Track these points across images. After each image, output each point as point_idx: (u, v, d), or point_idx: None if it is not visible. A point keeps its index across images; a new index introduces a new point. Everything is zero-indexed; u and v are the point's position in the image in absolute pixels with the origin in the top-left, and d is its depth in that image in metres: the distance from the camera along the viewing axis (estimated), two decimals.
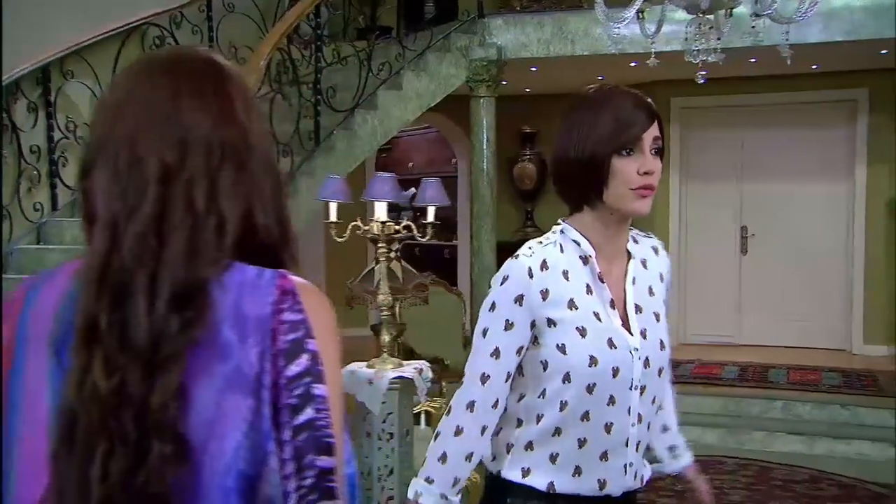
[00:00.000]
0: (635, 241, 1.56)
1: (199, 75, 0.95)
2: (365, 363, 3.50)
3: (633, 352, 1.46)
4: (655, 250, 1.60)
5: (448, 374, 4.97)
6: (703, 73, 4.25)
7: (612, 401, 1.46)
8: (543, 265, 1.47)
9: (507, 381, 1.49)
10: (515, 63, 6.18)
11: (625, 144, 1.44)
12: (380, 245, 3.53)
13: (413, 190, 10.26)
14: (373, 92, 5.46)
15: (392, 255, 4.58)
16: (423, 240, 3.67)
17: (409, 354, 5.00)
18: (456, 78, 5.97)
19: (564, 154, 1.48)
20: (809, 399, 5.55)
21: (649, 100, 1.50)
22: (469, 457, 1.51)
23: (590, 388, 1.45)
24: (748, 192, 7.31)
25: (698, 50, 4.21)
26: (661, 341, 1.50)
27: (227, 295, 0.89)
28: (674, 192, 7.38)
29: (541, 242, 1.51)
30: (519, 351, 1.48)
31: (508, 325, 1.46)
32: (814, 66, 6.62)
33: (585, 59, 6.18)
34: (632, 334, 1.48)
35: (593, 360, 1.44)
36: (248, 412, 0.87)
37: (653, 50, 4.60)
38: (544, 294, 1.45)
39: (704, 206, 7.38)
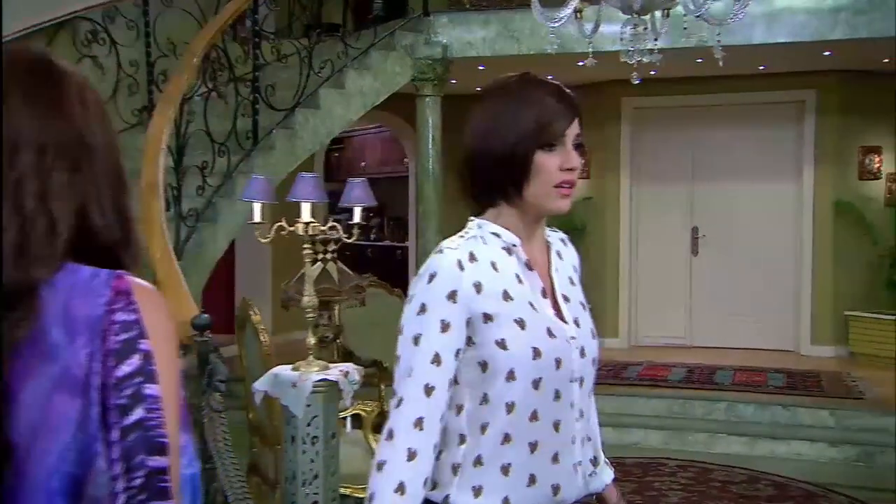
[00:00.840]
0: (547, 233, 1.57)
1: (28, 75, 0.96)
2: (290, 366, 3.53)
3: (570, 341, 1.44)
4: (564, 242, 1.60)
5: (387, 378, 5.02)
6: (637, 74, 4.36)
7: (557, 395, 1.42)
8: (472, 257, 1.41)
9: (449, 389, 1.39)
10: (462, 62, 6.24)
11: (549, 139, 1.41)
12: (305, 246, 3.56)
13: None
14: (314, 90, 5.48)
15: (327, 256, 4.65)
16: (350, 240, 3.70)
17: (347, 357, 5.05)
18: (401, 76, 6.02)
19: (481, 146, 1.43)
20: (753, 400, 5.69)
21: (570, 92, 1.48)
22: (426, 482, 1.37)
23: (536, 384, 1.39)
24: (699, 194, 7.45)
25: (633, 51, 4.30)
26: (592, 330, 1.51)
27: (58, 296, 0.91)
28: (625, 193, 7.50)
29: (462, 237, 1.47)
30: (457, 354, 1.38)
31: (444, 326, 1.37)
32: (761, 67, 6.78)
33: (533, 59, 6.27)
34: (566, 323, 1.46)
35: (537, 352, 1.39)
36: (76, 413, 0.88)
37: (590, 50, 4.71)
38: (478, 287, 1.39)
39: (655, 208, 7.51)
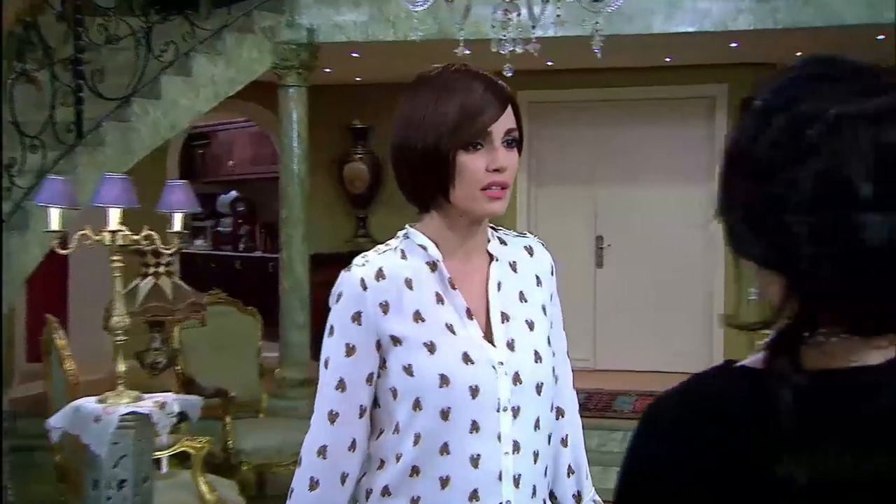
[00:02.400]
0: (502, 242, 1.58)
1: None
2: (95, 397, 3.48)
3: (496, 367, 1.46)
4: (529, 250, 1.60)
5: (235, 409, 4.98)
6: (510, 66, 4.46)
7: (475, 427, 1.44)
8: (379, 274, 1.47)
9: (361, 416, 1.48)
10: (332, 48, 6.26)
11: (472, 138, 1.43)
12: (114, 258, 3.51)
13: (234, 193, 10.25)
14: (155, 77, 5.42)
15: (160, 269, 4.60)
16: (169, 251, 3.67)
17: (188, 386, 4.99)
18: (259, 63, 6.00)
19: (401, 148, 1.47)
20: None
21: (501, 83, 1.48)
22: None
23: (444, 414, 1.43)
24: (604, 198, 7.65)
25: (505, 39, 4.41)
26: (537, 353, 1.50)
27: None
28: (522, 196, 7.63)
29: (378, 249, 1.52)
30: (370, 379, 1.47)
31: (350, 350, 1.45)
32: (666, 59, 7.02)
33: (413, 46, 6.32)
34: (495, 346, 1.48)
35: (444, 380, 1.42)
36: None
37: (461, 37, 4.81)
38: (384, 307, 1.45)
39: (556, 213, 7.68)
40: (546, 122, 7.72)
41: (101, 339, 5.86)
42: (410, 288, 1.47)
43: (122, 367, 3.53)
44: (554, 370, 1.56)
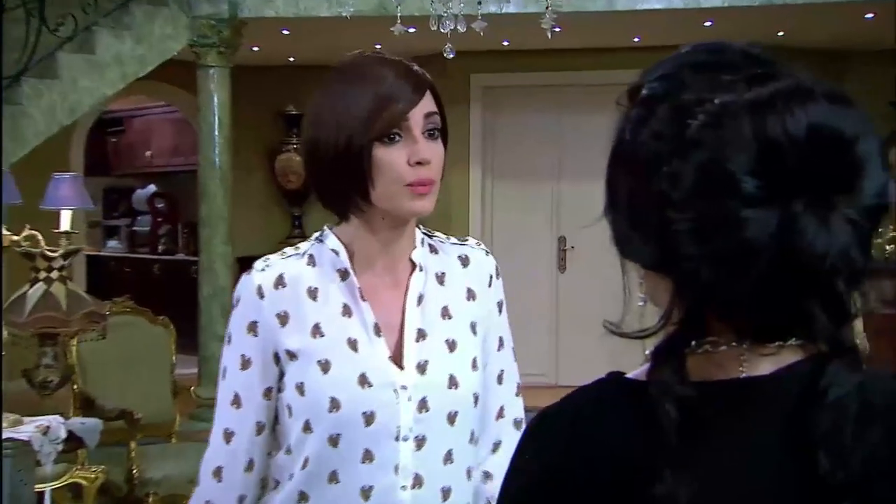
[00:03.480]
0: (433, 250, 1.56)
1: None
2: None
3: (398, 391, 1.45)
4: (464, 260, 1.57)
5: (142, 433, 4.84)
6: (450, 46, 4.39)
7: (368, 457, 1.45)
8: (279, 281, 1.47)
9: (259, 434, 1.49)
10: (259, 24, 6.18)
11: (387, 128, 1.42)
12: None
13: (153, 187, 10.11)
14: (50, 54, 5.30)
15: (52, 275, 4.45)
16: (56, 254, 3.54)
17: (87, 406, 4.84)
18: (174, 40, 5.90)
19: (313, 147, 1.46)
20: None
21: (418, 69, 1.48)
22: None
23: (333, 440, 1.43)
24: (567, 194, 7.62)
25: (445, 15, 4.35)
26: (452, 377, 1.48)
27: None
28: (475, 192, 7.59)
29: (284, 253, 1.52)
30: (268, 394, 1.48)
31: (245, 363, 1.48)
32: (635, 39, 7.01)
33: (349, 23, 6.25)
34: (403, 368, 1.47)
35: (335, 403, 1.43)
36: None
37: (398, 13, 4.73)
38: (282, 318, 1.46)
39: (513, 211, 7.64)
40: (502, 108, 7.68)
41: None
42: (314, 298, 1.48)
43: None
44: (477, 397, 1.52)
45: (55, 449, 3.39)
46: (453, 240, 1.61)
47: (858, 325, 4.46)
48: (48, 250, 3.50)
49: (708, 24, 6.45)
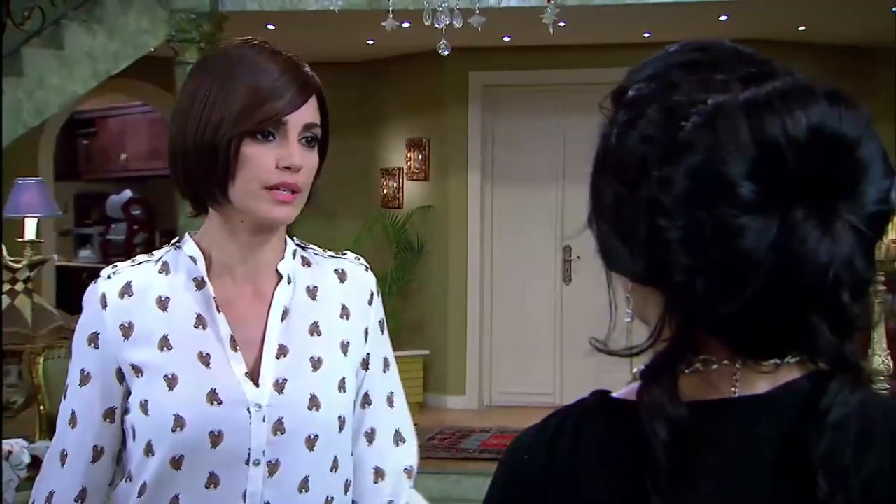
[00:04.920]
0: (306, 263, 1.56)
1: None
2: None
3: (251, 410, 1.45)
4: (340, 275, 1.57)
5: None
6: (445, 43, 4.40)
7: (212, 481, 1.44)
8: (126, 290, 1.47)
9: (96, 461, 1.48)
10: (242, 18, 6.17)
11: (261, 125, 1.43)
12: None
13: (128, 193, 10.12)
14: (15, 50, 5.30)
15: (17, 287, 4.46)
16: (19, 265, 3.54)
17: (55, 430, 4.84)
18: (150, 35, 5.90)
19: (178, 131, 1.47)
20: None
21: (308, 70, 1.50)
22: None
23: (176, 462, 1.43)
24: (572, 200, 7.60)
25: (440, 10, 4.36)
26: (314, 398, 1.47)
27: None
28: (473, 197, 7.58)
29: (135, 260, 1.53)
30: (110, 415, 1.47)
31: (84, 378, 1.47)
32: (645, 35, 7.02)
33: (338, 17, 6.25)
34: (258, 385, 1.46)
35: (178, 422, 1.42)
36: None
37: (391, 7, 4.74)
38: (126, 330, 1.46)
39: (514, 219, 7.63)
40: (503, 108, 7.68)
41: None
42: (163, 309, 1.48)
43: None
44: (343, 422, 1.51)
45: (18, 475, 3.39)
46: (330, 253, 1.61)
47: (883, 342, 4.47)
48: (11, 261, 3.49)
49: (723, 18, 6.46)
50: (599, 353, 0.90)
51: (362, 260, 1.61)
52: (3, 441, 3.50)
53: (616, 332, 0.92)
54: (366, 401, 1.57)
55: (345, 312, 1.54)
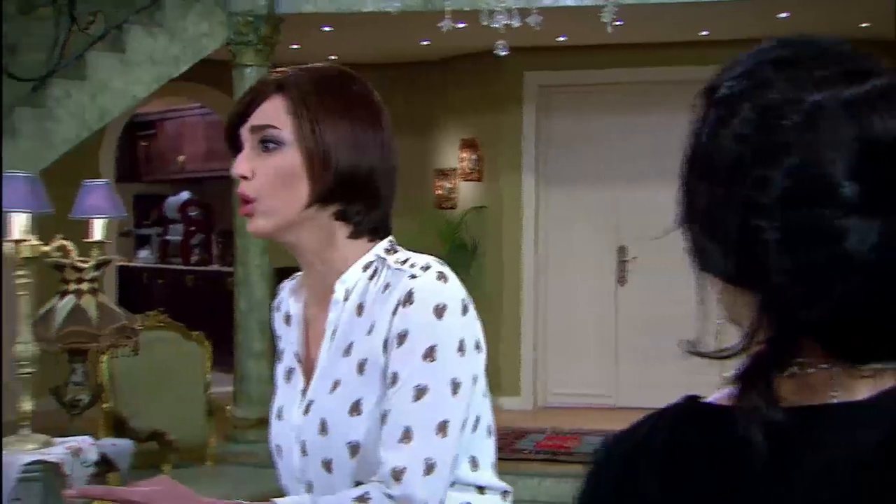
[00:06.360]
0: (370, 274, 1.49)
1: None
2: None
3: (291, 430, 1.52)
4: (385, 286, 1.47)
5: (176, 455, 4.90)
6: (504, 43, 4.41)
7: (287, 491, 1.54)
8: (277, 305, 1.64)
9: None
10: (298, 20, 6.24)
11: (228, 141, 1.51)
12: (19, 273, 3.45)
13: (186, 194, 10.25)
14: (80, 55, 5.40)
15: (83, 286, 4.53)
16: (87, 265, 3.61)
17: (119, 427, 4.92)
18: (210, 38, 5.97)
19: None
20: None
21: (273, 75, 1.52)
22: None
23: (278, 472, 1.57)
24: (628, 201, 7.58)
25: (497, 10, 4.37)
26: (323, 422, 1.46)
27: None
28: (528, 199, 7.58)
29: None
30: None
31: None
32: (702, 33, 6.97)
33: (394, 18, 6.29)
34: (299, 407, 1.52)
35: (270, 433, 1.57)
36: None
37: (447, 7, 4.76)
38: (278, 340, 1.63)
39: (569, 220, 7.62)
40: (558, 108, 7.67)
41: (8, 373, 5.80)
42: (287, 323, 1.59)
43: (27, 405, 3.47)
44: (356, 447, 1.44)
45: (86, 472, 3.45)
46: (411, 263, 1.47)
47: None
48: (79, 261, 3.56)
49: (783, 15, 6.39)
50: (692, 355, 0.87)
51: (435, 268, 1.46)
52: (72, 439, 3.57)
53: (704, 333, 0.92)
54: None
55: (371, 328, 1.46)
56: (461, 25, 6.24)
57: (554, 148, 7.66)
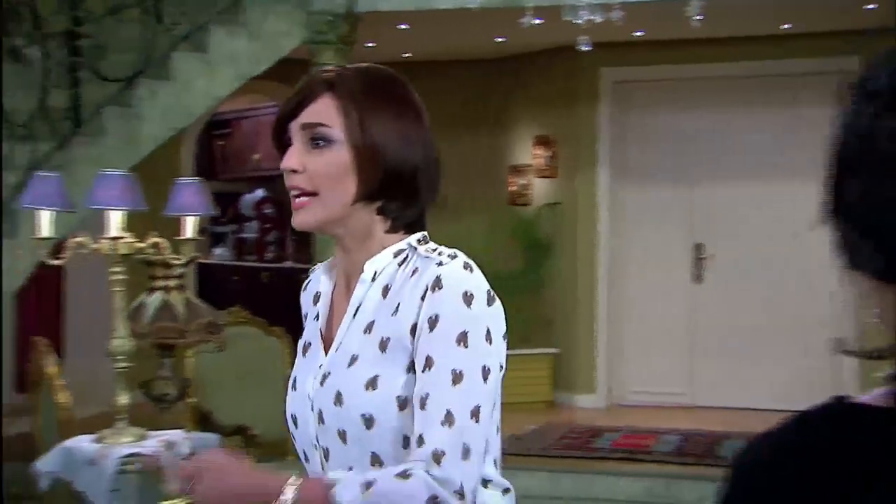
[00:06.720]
0: (404, 262, 1.56)
1: None
2: (92, 436, 3.50)
3: (307, 399, 1.59)
4: (412, 272, 1.54)
5: (259, 449, 4.97)
6: (587, 38, 4.41)
7: (306, 458, 1.63)
8: (307, 286, 1.72)
9: None
10: (376, 18, 6.26)
11: (276, 136, 1.58)
12: (114, 269, 3.53)
13: (261, 192, 10.36)
14: (165, 55, 5.48)
15: (171, 283, 4.62)
16: (180, 262, 3.68)
17: (203, 422, 5.00)
18: (289, 38, 6.01)
19: None
20: None
21: (319, 74, 1.57)
22: None
23: (294, 439, 1.65)
24: (705, 198, 7.52)
25: (580, 6, 4.36)
26: (339, 394, 1.52)
27: None
28: (603, 196, 7.55)
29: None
30: None
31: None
32: (784, 26, 6.87)
33: (473, 15, 6.31)
34: (315, 378, 1.59)
35: (286, 404, 1.65)
36: None
37: (529, 4, 4.76)
38: (304, 319, 1.71)
39: (644, 217, 7.58)
40: (634, 104, 7.63)
41: (101, 367, 5.92)
42: (315, 302, 1.67)
43: (123, 399, 3.55)
44: (370, 420, 1.49)
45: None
46: (438, 253, 1.54)
47: None
48: (172, 258, 3.64)
49: (871, 7, 6.27)
50: (845, 354, 0.89)
51: (459, 258, 1.51)
52: (165, 432, 3.64)
53: (850, 333, 0.91)
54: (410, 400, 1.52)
55: (397, 309, 1.53)
56: (537, 21, 6.25)
57: (630, 144, 7.62)
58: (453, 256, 1.52)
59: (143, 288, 4.37)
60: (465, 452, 1.43)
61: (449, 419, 1.43)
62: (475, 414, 1.45)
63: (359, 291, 1.56)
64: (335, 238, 1.59)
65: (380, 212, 1.55)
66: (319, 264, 1.70)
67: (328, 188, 1.52)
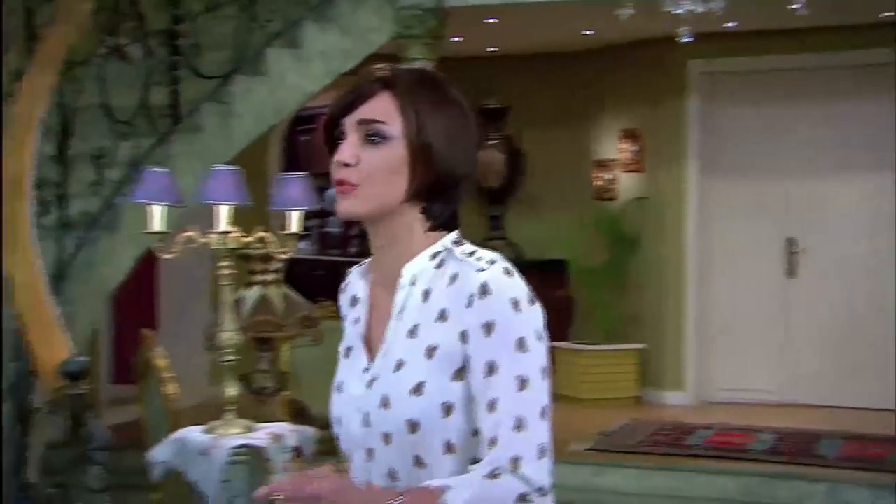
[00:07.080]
0: (440, 264, 1.58)
1: None
2: (202, 427, 3.55)
3: (355, 401, 1.61)
4: (452, 278, 1.57)
5: None
6: (689, 29, 4.36)
7: (350, 458, 1.65)
8: (344, 287, 1.74)
9: None
10: (464, 13, 6.27)
11: (329, 129, 1.60)
12: (222, 264, 3.58)
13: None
14: (260, 52, 5.55)
15: (269, 277, 4.68)
16: (283, 256, 3.73)
17: (298, 415, 5.06)
18: (379, 33, 6.04)
19: None
20: (868, 482, 5.60)
21: (379, 72, 1.59)
22: None
23: (338, 438, 1.67)
24: (797, 191, 7.41)
25: None
26: (385, 398, 1.55)
27: None
28: (692, 190, 7.48)
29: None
30: None
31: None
32: (883, 14, 6.71)
33: (560, 8, 6.28)
34: (361, 382, 1.62)
35: (331, 406, 1.67)
36: None
37: None
38: (343, 321, 1.72)
39: (735, 211, 7.49)
40: (723, 97, 7.55)
41: (196, 359, 6.02)
42: (353, 305, 1.68)
43: (232, 391, 3.60)
44: (416, 425, 1.54)
45: (285, 458, 3.56)
46: (477, 257, 1.56)
47: None
48: (278, 252, 3.68)
49: None
50: None
51: (498, 263, 1.54)
52: (271, 425, 3.69)
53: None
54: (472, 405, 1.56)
55: (442, 316, 1.56)
56: (629, 12, 6.20)
57: (719, 137, 7.53)
58: (492, 262, 1.55)
59: (237, 282, 4.43)
60: (541, 451, 1.50)
61: (521, 425, 1.50)
62: (544, 414, 1.52)
63: (400, 296, 1.59)
64: (372, 233, 1.61)
65: (423, 211, 1.58)
66: (354, 267, 1.72)
67: (378, 183, 1.55)
